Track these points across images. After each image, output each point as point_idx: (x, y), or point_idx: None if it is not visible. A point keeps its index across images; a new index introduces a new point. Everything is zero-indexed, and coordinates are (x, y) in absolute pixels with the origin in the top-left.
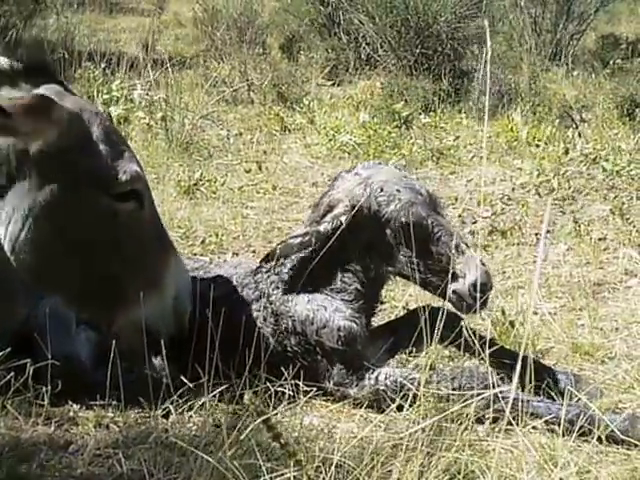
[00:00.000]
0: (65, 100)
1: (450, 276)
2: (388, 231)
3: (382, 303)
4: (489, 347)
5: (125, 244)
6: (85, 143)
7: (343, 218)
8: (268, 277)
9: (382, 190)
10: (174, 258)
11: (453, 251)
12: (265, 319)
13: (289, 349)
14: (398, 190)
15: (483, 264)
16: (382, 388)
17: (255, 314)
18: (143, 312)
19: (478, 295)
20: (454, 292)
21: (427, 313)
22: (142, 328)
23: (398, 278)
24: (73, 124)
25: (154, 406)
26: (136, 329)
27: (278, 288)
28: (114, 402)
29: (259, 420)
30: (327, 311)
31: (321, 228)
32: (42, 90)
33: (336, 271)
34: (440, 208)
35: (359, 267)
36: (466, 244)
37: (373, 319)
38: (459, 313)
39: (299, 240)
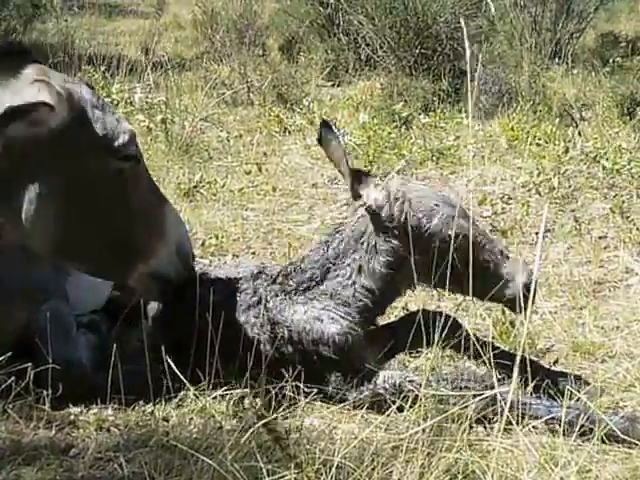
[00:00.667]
0: (52, 78)
1: (496, 280)
2: (431, 246)
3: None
4: (489, 348)
5: (132, 200)
6: (83, 115)
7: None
8: (268, 285)
9: (422, 205)
10: (169, 207)
11: (499, 256)
12: (262, 325)
13: (287, 356)
14: (437, 204)
15: (526, 264)
16: (381, 391)
17: (252, 320)
18: (154, 262)
19: (531, 295)
20: (508, 296)
21: (426, 315)
22: (155, 277)
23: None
24: (69, 101)
25: (155, 409)
26: (150, 279)
27: (277, 296)
28: (115, 405)
29: (260, 423)
30: (323, 323)
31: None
32: (30, 69)
33: (349, 287)
34: (469, 217)
35: (379, 285)
36: (507, 248)
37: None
38: (459, 314)
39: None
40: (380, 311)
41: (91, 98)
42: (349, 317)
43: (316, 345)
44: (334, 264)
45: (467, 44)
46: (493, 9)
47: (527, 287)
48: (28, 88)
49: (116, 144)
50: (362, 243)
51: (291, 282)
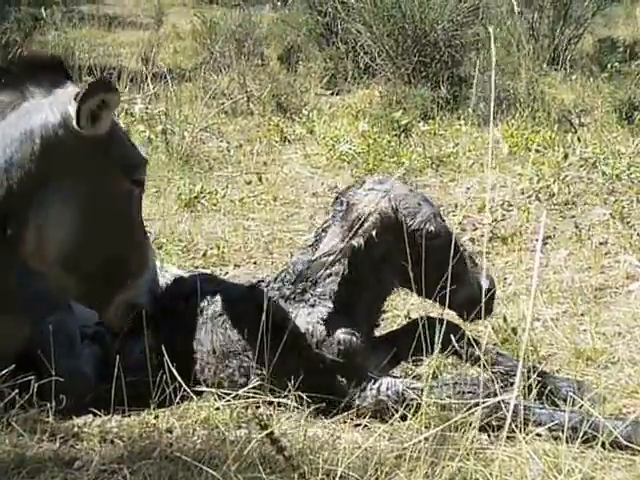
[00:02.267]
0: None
1: (460, 284)
2: (411, 243)
3: (384, 312)
4: (491, 355)
5: (133, 225)
6: (115, 133)
7: (374, 232)
8: (268, 292)
9: (406, 203)
10: (148, 239)
11: (468, 260)
12: (263, 333)
13: (290, 364)
14: (419, 203)
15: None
16: (384, 398)
17: (253, 328)
18: (134, 292)
19: (490, 302)
20: (465, 299)
21: (428, 323)
22: (132, 307)
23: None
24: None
25: (158, 420)
26: (127, 308)
27: (276, 302)
28: (118, 417)
29: (263, 434)
30: (327, 325)
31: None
32: (69, 83)
33: (345, 286)
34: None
35: (370, 282)
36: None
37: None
38: (461, 321)
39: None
40: (378, 309)
41: (116, 119)
42: (352, 317)
43: (320, 348)
44: (324, 263)
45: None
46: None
47: (490, 293)
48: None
49: (133, 167)
50: (340, 238)
51: (287, 285)
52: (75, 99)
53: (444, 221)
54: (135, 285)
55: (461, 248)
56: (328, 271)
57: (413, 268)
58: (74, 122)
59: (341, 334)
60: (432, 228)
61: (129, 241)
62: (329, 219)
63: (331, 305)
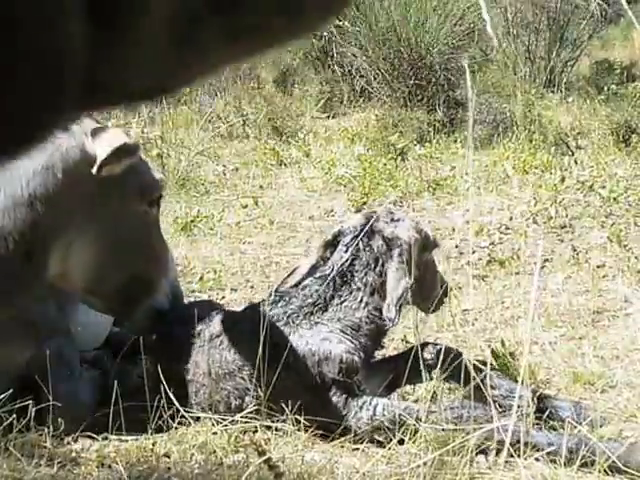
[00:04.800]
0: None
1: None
2: (426, 263)
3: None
4: (489, 379)
5: (151, 241)
6: (135, 160)
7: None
8: (270, 310)
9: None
10: (166, 247)
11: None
12: (263, 352)
13: (288, 383)
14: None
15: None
16: (380, 419)
17: (253, 347)
18: (157, 296)
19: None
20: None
21: (427, 348)
22: (154, 311)
23: None
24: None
25: (156, 445)
26: (150, 315)
27: (280, 321)
28: (116, 442)
29: (261, 459)
30: (330, 343)
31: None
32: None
33: (364, 310)
34: None
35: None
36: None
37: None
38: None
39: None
40: (385, 331)
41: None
42: (357, 340)
43: (321, 366)
44: (339, 288)
45: (468, 80)
46: (495, 42)
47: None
48: (104, 134)
49: (148, 190)
50: (372, 265)
51: (292, 307)
52: (93, 135)
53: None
54: (156, 289)
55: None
56: (343, 296)
57: (421, 285)
58: (94, 169)
59: (343, 353)
60: (437, 243)
61: (149, 256)
62: (345, 255)
63: (337, 327)
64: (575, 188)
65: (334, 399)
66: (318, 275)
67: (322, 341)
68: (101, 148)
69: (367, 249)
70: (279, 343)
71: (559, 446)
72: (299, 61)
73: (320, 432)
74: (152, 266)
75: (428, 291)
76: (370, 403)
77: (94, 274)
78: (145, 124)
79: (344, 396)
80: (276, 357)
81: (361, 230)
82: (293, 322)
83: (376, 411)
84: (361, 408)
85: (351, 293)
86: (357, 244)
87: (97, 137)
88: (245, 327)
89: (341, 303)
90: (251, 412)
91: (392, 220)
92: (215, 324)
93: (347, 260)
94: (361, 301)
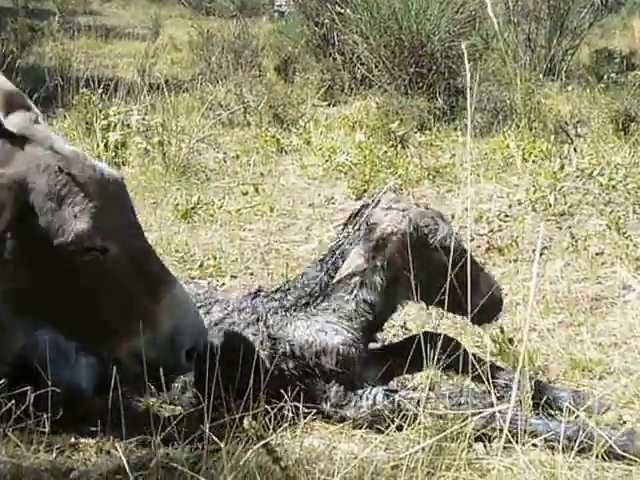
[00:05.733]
0: (13, 160)
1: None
2: (431, 259)
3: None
4: (487, 365)
5: (97, 290)
6: (31, 209)
7: (396, 252)
8: (267, 302)
9: (425, 221)
10: (169, 293)
11: (479, 269)
12: (262, 343)
13: (286, 372)
14: (436, 221)
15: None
16: (380, 408)
17: (251, 338)
18: (136, 342)
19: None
20: (478, 306)
21: (426, 337)
22: (141, 358)
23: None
24: (17, 195)
25: (154, 431)
26: (135, 358)
27: (277, 313)
28: (115, 427)
29: (259, 444)
30: (327, 335)
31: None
32: None
33: (353, 302)
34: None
35: (381, 299)
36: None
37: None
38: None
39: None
40: (379, 326)
41: (48, 189)
42: (352, 330)
43: (318, 357)
44: (333, 279)
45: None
46: (496, 25)
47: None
48: None
49: (63, 239)
50: (364, 258)
51: (290, 297)
52: None
53: (458, 235)
54: (137, 337)
55: (470, 260)
56: (337, 288)
57: (429, 282)
58: None
59: (340, 344)
60: (452, 244)
61: (100, 304)
62: (342, 239)
63: (333, 318)
64: (574, 176)
65: (332, 390)
66: (319, 260)
67: (318, 332)
68: None
69: (356, 234)
70: (275, 336)
71: (557, 433)
72: (300, 49)
73: (318, 418)
74: (117, 313)
75: (456, 292)
76: (370, 392)
77: (40, 309)
78: (146, 111)
79: (343, 387)
80: (273, 348)
81: (356, 214)
82: (290, 313)
83: (376, 401)
84: (360, 399)
85: (340, 282)
86: (349, 229)
87: None
88: (242, 318)
89: (336, 293)
90: (249, 398)
91: (388, 208)
92: (214, 312)
93: (339, 244)
94: (351, 292)
